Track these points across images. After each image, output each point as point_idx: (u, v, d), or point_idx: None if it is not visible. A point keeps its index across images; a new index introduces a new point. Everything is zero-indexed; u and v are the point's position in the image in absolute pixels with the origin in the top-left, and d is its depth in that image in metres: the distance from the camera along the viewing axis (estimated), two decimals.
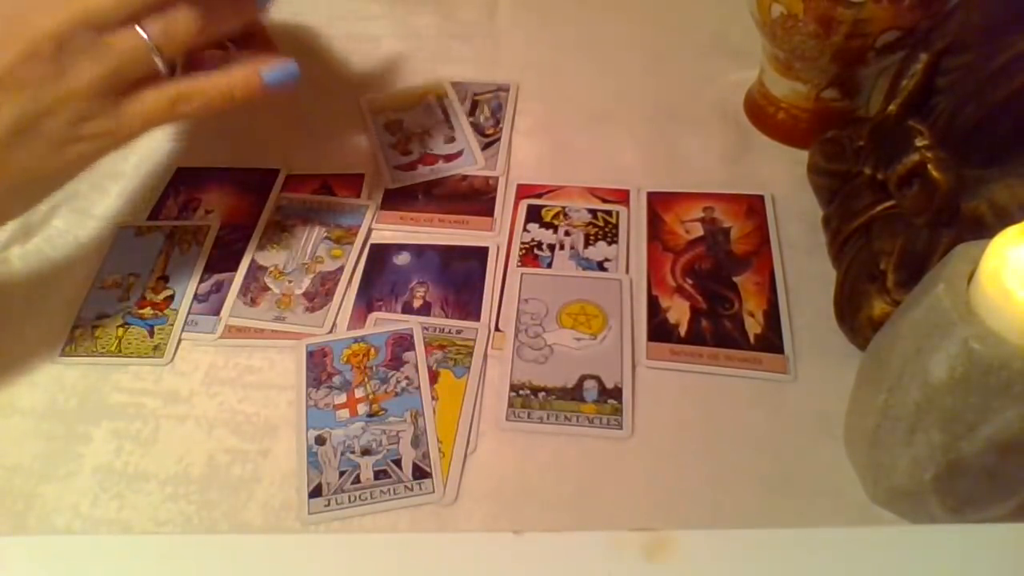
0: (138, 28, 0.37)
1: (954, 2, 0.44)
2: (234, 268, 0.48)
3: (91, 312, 0.46)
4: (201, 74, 0.40)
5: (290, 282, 0.47)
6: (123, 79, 0.38)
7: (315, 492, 0.39)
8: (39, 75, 0.35)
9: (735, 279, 0.47)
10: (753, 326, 0.44)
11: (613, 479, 0.39)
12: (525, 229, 0.50)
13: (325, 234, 0.50)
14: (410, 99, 0.59)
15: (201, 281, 0.47)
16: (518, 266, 0.48)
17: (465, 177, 0.53)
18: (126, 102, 0.38)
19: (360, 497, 0.38)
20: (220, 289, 0.47)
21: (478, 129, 0.56)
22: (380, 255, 0.49)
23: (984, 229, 0.38)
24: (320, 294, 0.47)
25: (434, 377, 0.43)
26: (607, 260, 0.48)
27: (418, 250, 0.49)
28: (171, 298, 0.47)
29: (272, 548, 0.30)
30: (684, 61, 0.61)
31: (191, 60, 0.41)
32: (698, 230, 0.49)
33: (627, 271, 0.47)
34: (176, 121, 0.41)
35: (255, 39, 0.44)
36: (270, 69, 0.41)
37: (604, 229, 0.50)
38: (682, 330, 0.44)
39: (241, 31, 0.42)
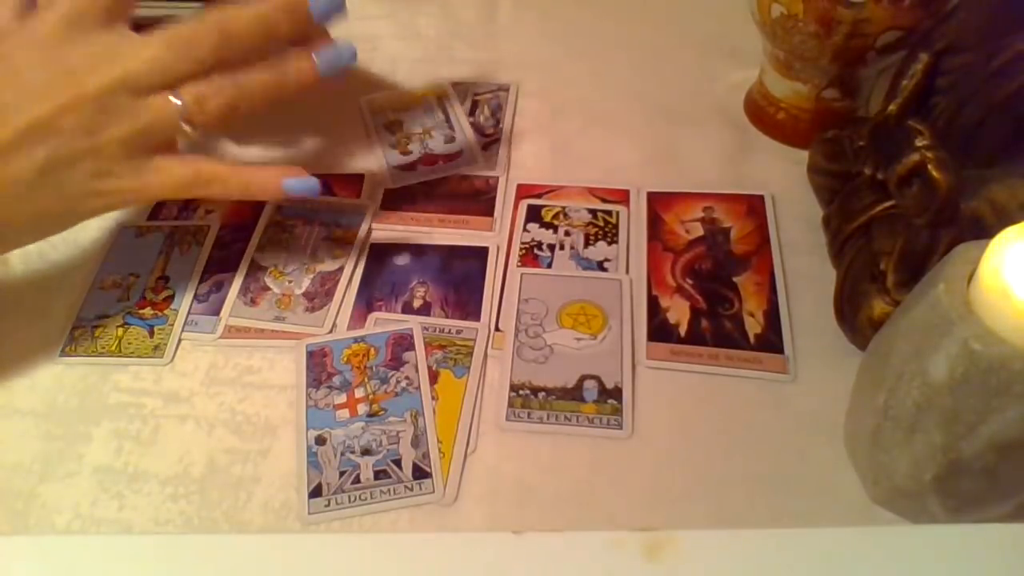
0: (171, 96, 0.39)
1: (954, 2, 0.44)
2: (234, 268, 0.48)
3: (91, 312, 0.46)
4: (225, 163, 0.43)
5: (290, 282, 0.47)
6: (152, 140, 0.40)
7: (315, 492, 0.39)
8: (74, 126, 0.38)
9: (735, 279, 0.47)
10: (753, 326, 0.44)
11: (613, 479, 0.39)
12: (525, 229, 0.50)
13: (325, 234, 0.50)
14: (410, 99, 0.59)
15: (201, 281, 0.47)
16: (518, 266, 0.48)
17: (465, 177, 0.53)
18: (149, 167, 0.40)
19: (360, 497, 0.38)
20: (220, 289, 0.47)
21: (478, 129, 0.56)
22: (380, 255, 0.49)
23: (984, 229, 0.38)
24: (320, 294, 0.47)
25: (434, 377, 0.43)
26: (607, 260, 0.48)
27: (418, 250, 0.49)
28: (171, 298, 0.47)
29: (272, 548, 0.30)
30: (684, 61, 0.61)
31: None
32: (698, 230, 0.49)
33: (627, 271, 0.47)
34: (187, 197, 0.44)
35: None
36: (293, 181, 0.43)
37: (604, 229, 0.50)
38: (682, 330, 0.44)
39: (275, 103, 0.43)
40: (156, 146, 0.40)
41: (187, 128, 0.40)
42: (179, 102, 0.39)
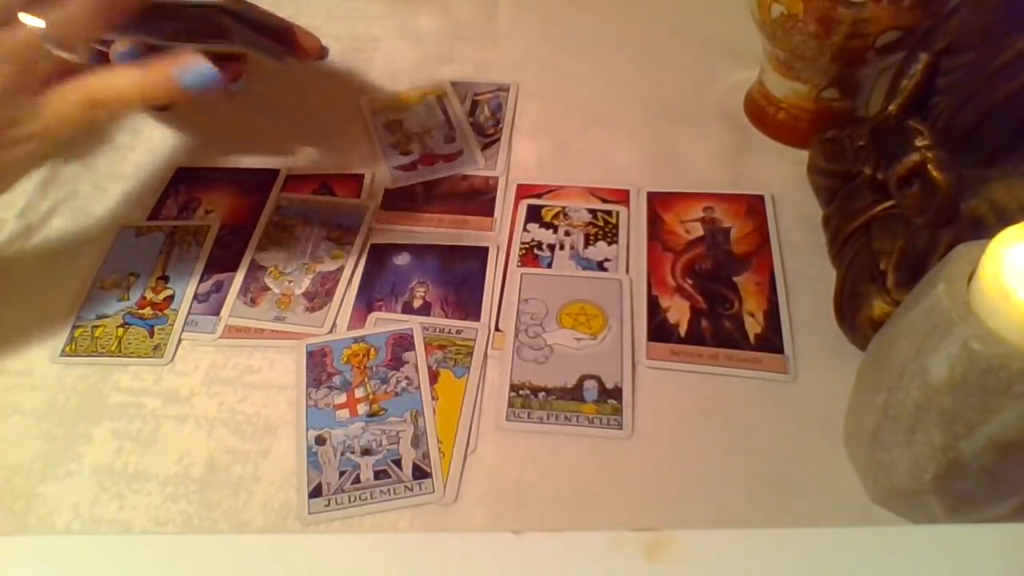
0: (25, 18, 0.36)
1: (954, 2, 0.44)
2: (234, 268, 0.48)
3: (91, 312, 0.46)
4: (116, 71, 0.39)
5: (290, 282, 0.47)
6: (30, 75, 0.37)
7: (315, 492, 0.39)
8: None
9: (735, 279, 0.47)
10: (753, 326, 0.44)
11: (613, 479, 0.39)
12: (525, 229, 0.50)
13: (325, 234, 0.50)
14: (410, 99, 0.59)
15: (201, 281, 0.47)
16: (518, 266, 0.48)
17: (465, 177, 0.53)
18: (42, 101, 0.38)
19: (360, 497, 0.38)
20: (220, 289, 0.47)
21: (478, 129, 0.56)
22: (380, 255, 0.49)
23: (984, 229, 0.38)
24: (320, 294, 0.47)
25: (434, 377, 0.43)
26: (607, 260, 0.48)
27: (418, 250, 0.49)
28: (171, 298, 0.47)
29: (272, 548, 0.30)
30: (684, 61, 0.61)
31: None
32: (698, 230, 0.49)
33: (627, 271, 0.47)
34: (96, 120, 0.41)
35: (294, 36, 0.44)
36: (185, 71, 0.40)
37: (604, 229, 0.50)
38: (682, 330, 0.44)
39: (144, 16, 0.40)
40: (39, 79, 0.37)
41: (60, 52, 0.37)
42: (39, 24, 0.36)
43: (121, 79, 0.39)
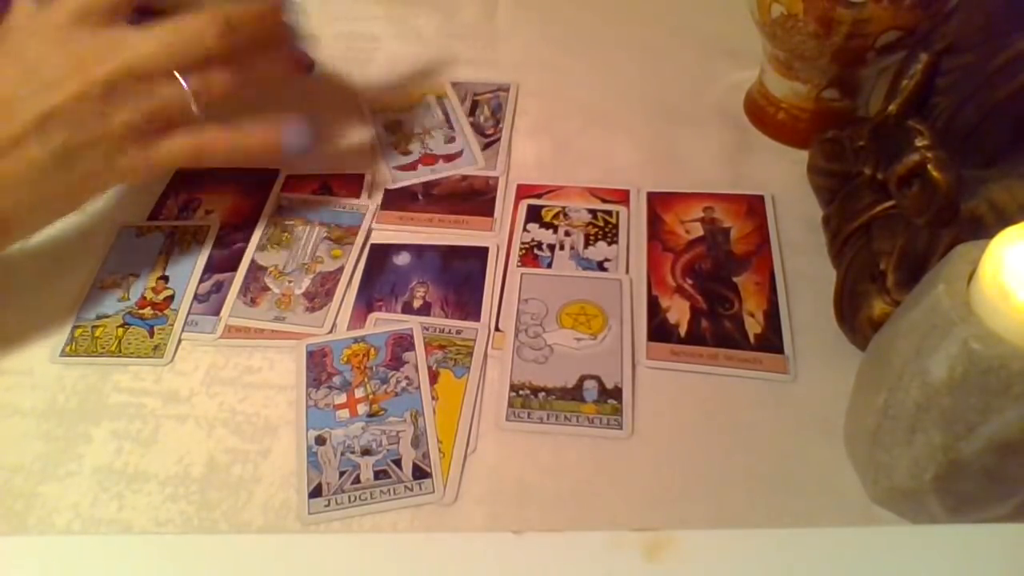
0: (178, 77, 0.41)
1: (954, 2, 0.44)
2: (234, 268, 0.48)
3: (91, 312, 0.46)
4: (227, 129, 0.44)
5: (290, 282, 0.47)
6: (159, 122, 0.42)
7: (315, 492, 0.39)
8: (87, 112, 0.40)
9: (735, 279, 0.47)
10: (753, 326, 0.44)
11: (613, 479, 0.39)
12: (525, 229, 0.50)
13: (325, 234, 0.50)
14: (410, 99, 0.59)
15: (201, 281, 0.47)
16: (518, 266, 0.48)
17: (465, 177, 0.53)
18: (157, 143, 0.42)
19: (360, 497, 0.38)
20: (220, 289, 0.47)
21: (478, 129, 0.56)
22: (380, 255, 0.49)
23: (984, 229, 0.38)
24: (320, 294, 0.47)
25: (434, 377, 0.43)
26: (607, 260, 0.48)
27: (418, 250, 0.49)
28: (171, 298, 0.47)
29: (272, 548, 0.30)
30: (684, 61, 0.61)
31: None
32: (698, 230, 0.49)
33: (627, 271, 0.47)
34: (196, 167, 0.48)
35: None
36: (289, 135, 0.45)
37: (604, 229, 0.50)
38: (682, 330, 0.44)
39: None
40: (164, 128, 0.42)
41: (194, 108, 0.42)
42: (186, 85, 0.42)
43: (229, 136, 0.44)
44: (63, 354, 0.44)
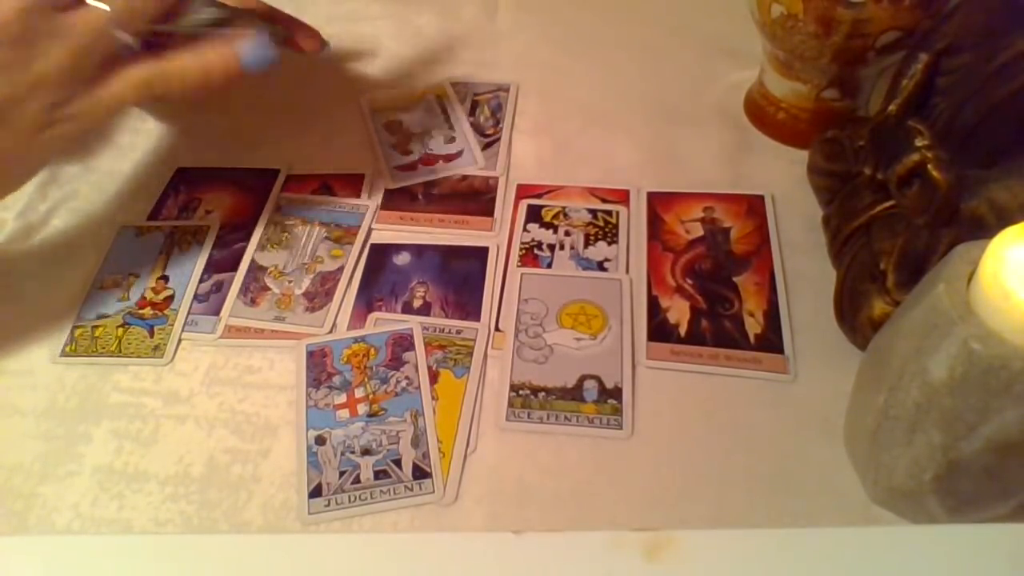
0: (95, 2, 0.37)
1: (954, 2, 0.44)
2: (234, 268, 0.48)
3: (91, 312, 0.46)
4: (175, 53, 0.40)
5: (290, 282, 0.47)
6: (91, 58, 0.38)
7: (315, 492, 0.39)
8: (7, 61, 0.36)
9: (735, 279, 0.47)
10: (753, 326, 0.44)
11: (613, 479, 0.39)
12: (525, 229, 0.50)
13: (325, 234, 0.50)
14: (410, 99, 0.59)
15: (201, 281, 0.47)
16: (518, 266, 0.48)
17: (465, 177, 0.53)
18: (100, 83, 0.38)
19: (360, 497, 0.38)
20: (220, 289, 0.47)
21: (478, 129, 0.56)
22: (380, 255, 0.49)
23: (984, 229, 0.38)
24: (320, 294, 0.47)
25: (434, 377, 0.43)
26: (607, 260, 0.48)
27: (418, 250, 0.49)
28: (171, 298, 0.47)
29: (272, 548, 0.30)
30: (684, 61, 0.61)
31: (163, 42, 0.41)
32: (698, 230, 0.49)
33: (627, 271, 0.47)
34: (151, 101, 0.43)
35: (294, 25, 0.45)
36: (246, 51, 0.41)
37: (604, 229, 0.50)
38: (682, 330, 0.44)
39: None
40: (100, 58, 0.39)
41: (123, 36, 0.39)
42: (106, 7, 0.38)
43: (180, 60, 0.40)
44: (63, 354, 0.44)
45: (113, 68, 0.39)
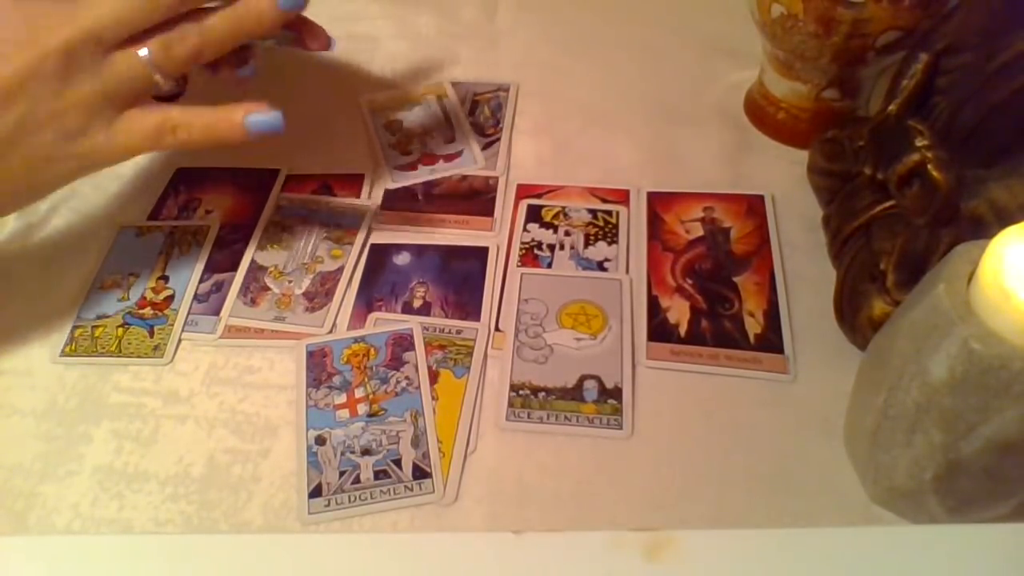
0: (136, 48, 0.39)
1: (954, 2, 0.44)
2: (234, 268, 0.48)
3: (91, 312, 0.46)
4: (191, 108, 0.41)
5: (290, 282, 0.47)
6: (121, 95, 0.39)
7: (315, 492, 0.39)
8: (42, 89, 0.37)
9: (735, 279, 0.47)
10: (753, 326, 0.44)
11: (613, 479, 0.39)
12: (525, 229, 0.50)
13: (325, 234, 0.50)
14: (410, 99, 0.59)
15: (201, 281, 0.47)
16: (518, 266, 0.48)
17: (465, 177, 0.53)
18: (119, 123, 0.39)
19: (360, 497, 0.38)
20: (220, 289, 0.47)
21: (478, 129, 0.56)
22: (380, 255, 0.49)
23: (984, 229, 0.38)
24: (320, 294, 0.47)
25: (434, 377, 0.43)
26: (607, 260, 0.48)
27: (418, 250, 0.49)
28: (171, 298, 0.47)
29: (272, 548, 0.30)
30: (684, 61, 0.61)
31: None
32: (698, 230, 0.49)
33: (627, 271, 0.47)
34: (158, 150, 0.43)
35: (301, 24, 0.46)
36: (255, 118, 0.42)
37: (604, 229, 0.50)
38: (682, 330, 0.44)
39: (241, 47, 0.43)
40: (126, 101, 0.40)
41: (158, 78, 0.40)
42: (146, 53, 0.39)
43: (193, 115, 0.41)
44: (63, 354, 0.44)
45: (133, 113, 0.40)
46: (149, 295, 0.47)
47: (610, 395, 0.42)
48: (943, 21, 0.43)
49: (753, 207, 0.50)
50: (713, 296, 0.46)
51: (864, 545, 0.28)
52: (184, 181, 0.54)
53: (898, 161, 0.42)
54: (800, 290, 0.46)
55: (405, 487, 0.39)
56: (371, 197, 0.52)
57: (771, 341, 0.44)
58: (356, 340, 0.44)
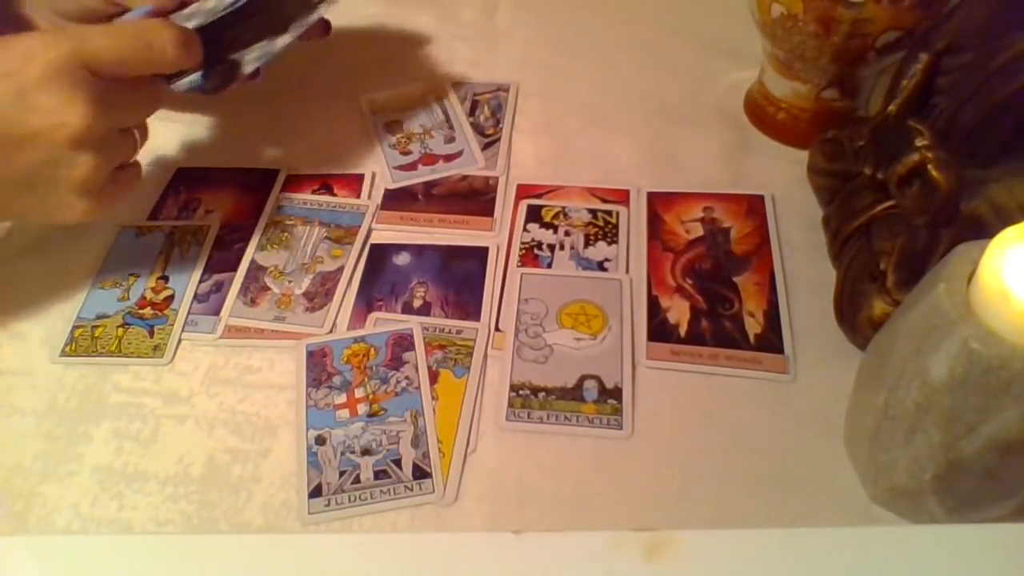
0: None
1: (954, 2, 0.44)
2: (234, 268, 0.48)
3: (91, 312, 0.46)
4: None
5: (290, 282, 0.47)
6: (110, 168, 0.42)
7: (315, 492, 0.39)
8: (59, 156, 0.39)
9: (735, 279, 0.47)
10: (753, 326, 0.44)
11: (613, 479, 0.39)
12: (525, 229, 0.50)
13: (325, 234, 0.50)
14: (410, 99, 0.59)
15: (201, 281, 0.47)
16: (518, 266, 0.48)
17: (465, 177, 0.53)
18: (101, 194, 0.42)
19: (360, 497, 0.38)
20: (220, 289, 0.47)
21: (478, 129, 0.56)
22: (380, 255, 0.49)
23: (984, 229, 0.38)
24: (320, 294, 0.47)
25: (434, 377, 0.43)
26: (607, 260, 0.48)
27: (418, 250, 0.49)
28: (171, 298, 0.47)
29: (272, 548, 0.30)
30: (684, 61, 0.61)
31: None
32: (698, 230, 0.49)
33: (627, 271, 0.47)
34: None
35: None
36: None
37: (604, 229, 0.50)
38: (682, 330, 0.44)
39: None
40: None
41: (137, 152, 0.44)
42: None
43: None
44: (63, 354, 0.44)
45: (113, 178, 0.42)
46: (149, 295, 0.47)
47: (610, 395, 0.42)
48: (943, 21, 0.43)
49: (753, 207, 0.50)
50: (713, 296, 0.46)
51: (864, 545, 0.28)
52: (184, 181, 0.54)
53: (898, 161, 0.42)
54: (800, 290, 0.46)
55: (405, 487, 0.39)
56: (371, 197, 0.52)
57: (771, 341, 0.44)
58: (356, 340, 0.44)
